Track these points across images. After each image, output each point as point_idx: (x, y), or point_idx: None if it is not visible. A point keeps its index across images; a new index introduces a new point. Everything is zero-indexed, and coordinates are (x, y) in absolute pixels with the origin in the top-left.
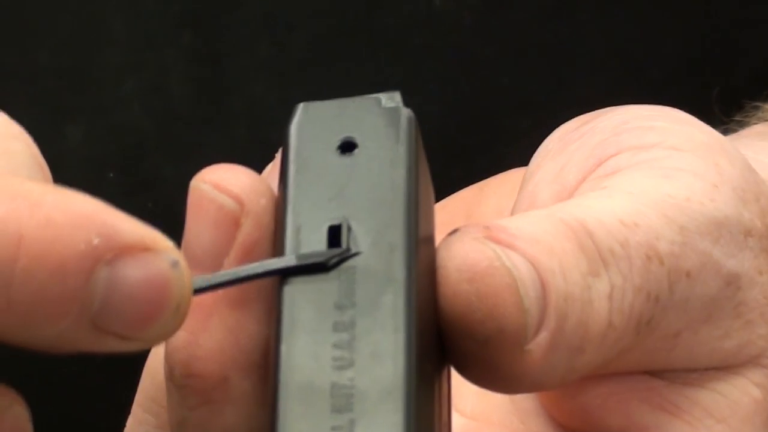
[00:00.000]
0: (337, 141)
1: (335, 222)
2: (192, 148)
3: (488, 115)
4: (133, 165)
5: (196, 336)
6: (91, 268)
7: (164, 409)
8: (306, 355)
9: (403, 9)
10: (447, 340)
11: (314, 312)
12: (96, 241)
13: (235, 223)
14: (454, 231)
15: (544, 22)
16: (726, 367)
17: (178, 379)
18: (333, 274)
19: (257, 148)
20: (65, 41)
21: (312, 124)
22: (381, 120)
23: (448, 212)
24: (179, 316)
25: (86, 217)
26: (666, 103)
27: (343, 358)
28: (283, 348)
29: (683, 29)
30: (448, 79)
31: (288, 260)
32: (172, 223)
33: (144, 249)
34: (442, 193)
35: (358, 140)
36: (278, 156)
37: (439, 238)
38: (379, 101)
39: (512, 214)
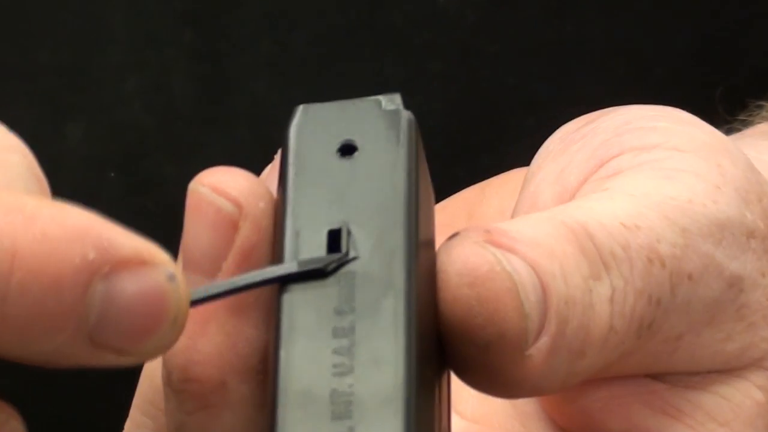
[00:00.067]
0: (336, 144)
1: (335, 226)
2: (193, 147)
3: (492, 113)
4: (133, 164)
5: (194, 341)
6: (87, 282)
7: (162, 413)
8: (305, 360)
9: (406, 7)
10: (447, 345)
11: (314, 317)
12: (92, 255)
13: (234, 226)
14: (455, 235)
15: (548, 21)
16: (728, 370)
17: (176, 384)
18: (332, 279)
19: (259, 147)
20: (65, 39)
21: (311, 126)
22: (381, 122)
23: (450, 213)
24: (177, 329)
25: (82, 230)
26: (670, 102)
27: (343, 365)
28: (282, 354)
29: (687, 28)
30: (451, 78)
31: (285, 267)
32: (173, 222)
33: (140, 262)
34: (445, 192)
35: (358, 143)
36: (277, 158)
37: (439, 239)
38: (379, 103)
39: (513, 215)
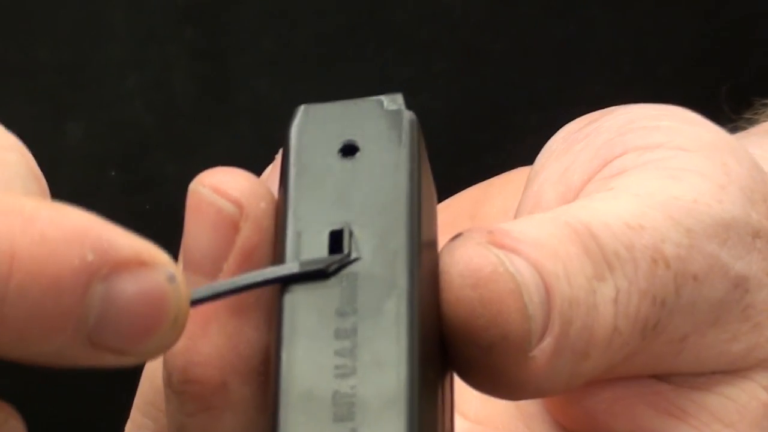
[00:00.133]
0: (338, 144)
1: (337, 227)
2: (194, 145)
3: (496, 112)
4: (134, 163)
5: (195, 342)
6: (86, 284)
7: (163, 414)
8: (307, 362)
9: (409, 4)
10: (450, 347)
11: (315, 319)
12: (91, 256)
13: (235, 227)
14: (457, 235)
15: (552, 20)
16: (734, 370)
17: (177, 385)
18: (334, 280)
19: (260, 145)
20: (65, 37)
21: (313, 126)
22: (383, 123)
23: (453, 212)
24: (177, 330)
25: (81, 232)
26: (674, 100)
27: (345, 366)
28: (284, 355)
29: (692, 26)
30: (455, 76)
31: (286, 268)
32: (174, 222)
33: (140, 263)
34: (449, 191)
35: (360, 143)
36: (278, 158)
37: (442, 238)
38: (381, 103)
39: (516, 215)
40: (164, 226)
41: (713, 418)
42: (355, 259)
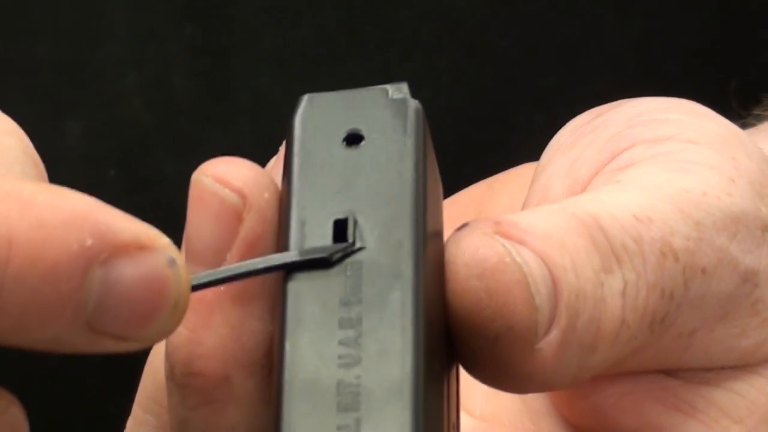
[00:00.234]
0: (342, 133)
1: (341, 216)
2: (195, 144)
3: (501, 109)
4: (134, 162)
5: (198, 334)
6: (84, 269)
7: (165, 409)
8: (311, 352)
9: (412, 1)
10: (455, 338)
11: (320, 308)
12: (89, 241)
13: (238, 217)
14: (464, 226)
15: (557, 16)
16: (743, 366)
17: (179, 378)
18: (339, 269)
19: (261, 143)
20: (65, 34)
21: (317, 115)
22: (388, 111)
23: (458, 208)
24: (177, 314)
25: (79, 216)
26: (683, 96)
27: (350, 356)
28: (288, 345)
29: (700, 22)
30: (458, 74)
31: (290, 255)
32: (174, 221)
33: (139, 247)
34: (454, 189)
35: (365, 132)
36: (282, 149)
37: (448, 234)
38: (386, 92)
39: (523, 208)
40: (164, 226)
41: (722, 414)
42: (360, 248)
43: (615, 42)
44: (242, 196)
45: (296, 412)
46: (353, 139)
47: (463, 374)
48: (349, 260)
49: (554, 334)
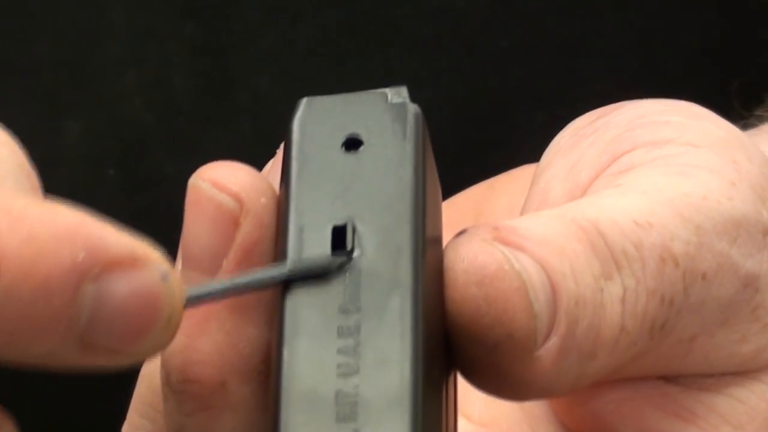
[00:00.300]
0: (341, 137)
1: (340, 222)
2: (195, 143)
3: (502, 109)
4: (133, 162)
5: (194, 340)
6: (76, 284)
7: (161, 415)
8: (309, 361)
9: (413, 0)
10: (454, 345)
11: (318, 316)
12: (81, 256)
13: (235, 222)
14: (462, 232)
15: (558, 15)
16: (744, 372)
17: (175, 384)
18: (337, 276)
19: (262, 143)
20: (64, 33)
21: (316, 119)
22: (387, 116)
23: (457, 210)
24: (171, 330)
25: (71, 231)
26: (684, 97)
27: (348, 365)
28: (286, 353)
29: (702, 21)
30: (459, 73)
31: (284, 270)
32: (173, 222)
33: (132, 262)
34: (454, 190)
35: (364, 137)
36: (279, 152)
37: (447, 237)
38: (385, 96)
39: (523, 211)
40: (164, 226)
41: (722, 420)
42: (356, 259)
43: (616, 41)
44: (239, 201)
45: (294, 422)
46: (352, 143)
47: (462, 379)
48: (347, 267)
49: (553, 341)
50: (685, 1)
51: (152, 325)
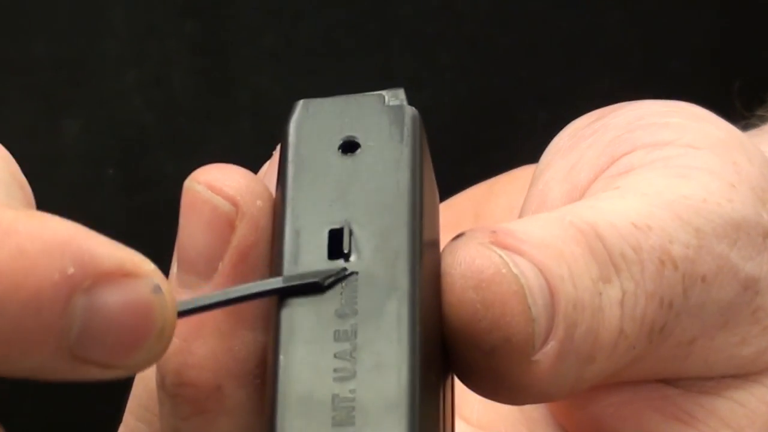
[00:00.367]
0: (338, 140)
1: (336, 225)
2: (195, 143)
3: (504, 108)
4: (133, 161)
5: (189, 343)
6: (66, 298)
7: (157, 418)
8: (306, 365)
9: None
10: (451, 349)
11: (314, 320)
12: (72, 269)
13: (230, 225)
14: (460, 235)
15: (561, 13)
16: (743, 374)
17: (170, 388)
18: None
19: (262, 143)
20: (63, 31)
21: (312, 122)
22: (384, 118)
23: (456, 211)
24: (163, 341)
25: (61, 244)
26: (686, 97)
27: (345, 369)
28: (282, 358)
29: (704, 21)
30: (461, 71)
31: (278, 282)
32: (173, 221)
33: (124, 274)
34: (455, 189)
35: (361, 140)
36: (276, 154)
37: (445, 238)
38: (382, 99)
39: (521, 213)
40: (163, 226)
41: (722, 423)
42: (352, 273)
43: (620, 40)
44: (235, 204)
45: (290, 426)
46: (349, 146)
47: (459, 381)
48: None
49: (551, 346)
50: (688, 0)
51: (145, 337)
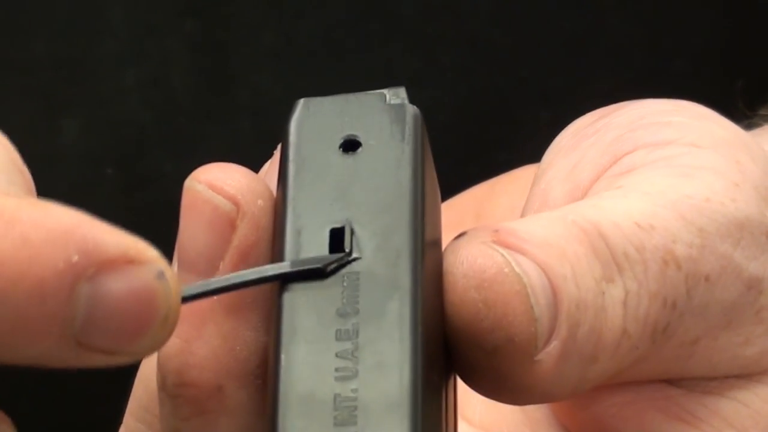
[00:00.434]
0: (339, 139)
1: (337, 225)
2: (194, 142)
3: (506, 107)
4: (132, 161)
5: (190, 343)
6: (71, 286)
7: (157, 419)
8: (307, 365)
9: None
10: (453, 349)
11: (316, 320)
12: (75, 257)
13: (231, 225)
14: (462, 234)
15: (565, 12)
16: (747, 374)
17: (171, 389)
18: (335, 279)
19: (262, 142)
20: (62, 30)
21: (313, 121)
22: (386, 117)
23: (458, 211)
24: (168, 328)
25: (64, 232)
26: (689, 96)
27: (347, 369)
28: (283, 357)
29: (707, 20)
30: (463, 70)
31: (283, 266)
32: (172, 220)
33: (127, 261)
34: (457, 188)
35: (362, 138)
36: (276, 154)
37: (447, 238)
38: (383, 97)
39: (523, 213)
40: (163, 225)
41: (726, 424)
42: (355, 258)
43: (622, 39)
44: (235, 204)
45: (291, 426)
46: (350, 145)
47: (461, 381)
48: (345, 270)
49: (554, 345)
50: (690, 0)
51: (149, 323)
